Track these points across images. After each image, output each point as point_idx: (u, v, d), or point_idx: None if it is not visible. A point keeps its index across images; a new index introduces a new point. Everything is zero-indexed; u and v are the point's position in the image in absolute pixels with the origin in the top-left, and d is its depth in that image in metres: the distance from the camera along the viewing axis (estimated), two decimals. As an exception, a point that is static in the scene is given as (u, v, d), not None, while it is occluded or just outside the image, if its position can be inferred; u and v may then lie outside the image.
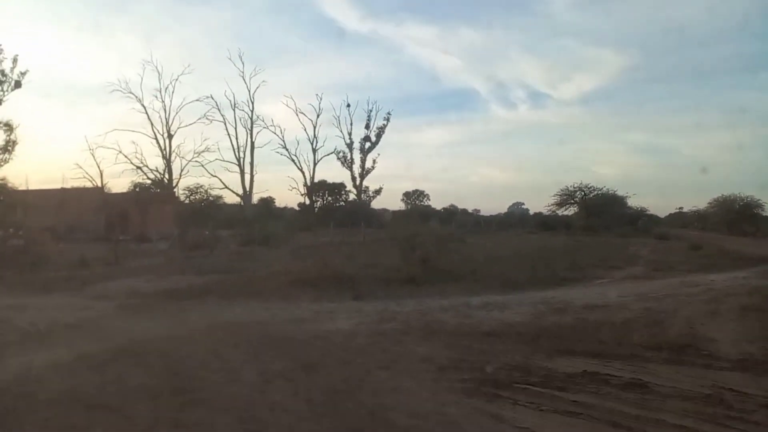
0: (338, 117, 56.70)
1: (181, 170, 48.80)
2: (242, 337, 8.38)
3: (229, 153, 53.16)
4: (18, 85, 35.09)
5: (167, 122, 48.68)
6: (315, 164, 56.09)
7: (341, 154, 56.70)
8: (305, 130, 56.68)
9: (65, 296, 12.80)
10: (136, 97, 47.21)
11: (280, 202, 56.99)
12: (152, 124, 48.16)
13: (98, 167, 45.08)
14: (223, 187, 50.46)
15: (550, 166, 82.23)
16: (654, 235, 37.38)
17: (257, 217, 41.22)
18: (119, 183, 59.41)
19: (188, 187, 45.21)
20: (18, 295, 12.68)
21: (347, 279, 14.16)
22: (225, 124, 51.98)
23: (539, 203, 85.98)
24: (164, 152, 48.52)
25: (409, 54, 79.19)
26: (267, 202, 54.45)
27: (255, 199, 53.64)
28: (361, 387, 5.85)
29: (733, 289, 12.90)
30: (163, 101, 48.46)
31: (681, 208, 61.81)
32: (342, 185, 56.52)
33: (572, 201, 47.92)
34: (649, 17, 68.73)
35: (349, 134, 56.60)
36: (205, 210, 39.10)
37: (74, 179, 43.64)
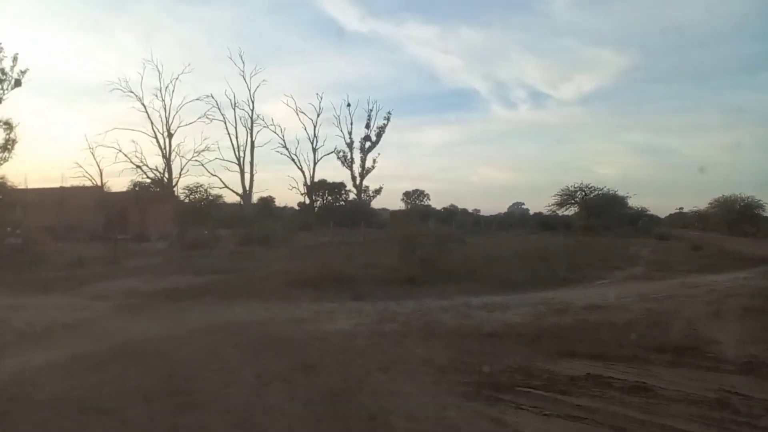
0: (338, 116, 56.79)
1: (181, 169, 48.77)
2: (241, 338, 8.28)
3: (229, 152, 53.12)
4: (18, 83, 35.02)
5: (167, 121, 48.64)
6: (315, 164, 56.11)
7: (341, 153, 56.73)
8: (305, 129, 56.76)
9: (63, 296, 12.70)
10: (136, 96, 47.16)
11: (280, 202, 56.94)
12: (152, 123, 48.13)
13: (98, 166, 45.04)
14: (223, 186, 50.47)
15: (550, 166, 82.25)
16: (654, 235, 37.28)
17: (257, 216, 41.07)
18: (119, 182, 59.18)
19: (188, 187, 45.04)
20: (16, 294, 12.57)
21: (347, 279, 14.08)
22: (225, 123, 51.95)
23: (539, 203, 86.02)
24: (164, 151, 48.50)
25: (410, 53, 79.27)
26: (267, 202, 54.34)
27: (255, 198, 53.60)
28: (361, 389, 5.76)
29: (734, 290, 12.84)
30: (163, 100, 48.41)
31: (681, 208, 61.86)
32: (342, 185, 56.47)
33: (573, 201, 47.83)
34: (649, 17, 68.81)
35: (350, 134, 56.63)
36: (205, 209, 38.94)
37: (74, 178, 43.59)
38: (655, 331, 8.43)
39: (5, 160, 34.28)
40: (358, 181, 57.01)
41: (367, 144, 56.45)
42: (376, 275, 15.00)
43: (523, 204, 71.83)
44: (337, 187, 56.25)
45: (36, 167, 79.02)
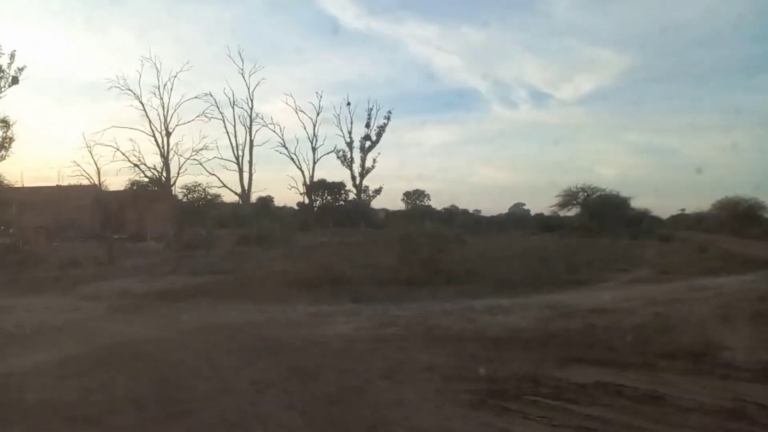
0: (338, 116, 56.26)
1: (179, 168, 48.25)
2: (236, 342, 8.03)
3: (228, 151, 52.59)
4: (15, 81, 34.61)
5: (165, 119, 48.19)
6: (314, 163, 55.67)
7: (341, 153, 56.32)
8: (305, 128, 56.03)
9: (55, 297, 12.46)
10: (134, 94, 46.64)
11: (279, 201, 56.46)
12: (150, 122, 47.68)
13: (95, 165, 44.67)
14: (222, 185, 50.01)
15: (550, 167, 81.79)
16: (658, 236, 36.99)
17: (255, 216, 40.77)
18: (117, 181, 58.86)
19: (186, 186, 44.79)
20: (6, 295, 12.35)
21: (346, 280, 13.83)
22: (224, 121, 51.48)
23: (540, 204, 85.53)
24: (162, 150, 47.98)
25: (410, 53, 78.69)
26: (266, 201, 53.95)
27: (254, 197, 53.19)
28: (361, 398, 5.49)
29: (742, 293, 12.57)
30: (161, 98, 47.91)
31: (683, 209, 61.42)
32: (342, 184, 56.06)
33: (575, 202, 47.52)
34: (649, 17, 68.21)
35: (349, 133, 56.25)
36: (202, 209, 38.66)
37: (71, 177, 43.20)
38: (665, 336, 8.15)
39: (2, 158, 33.87)
40: (357, 181, 56.72)
41: (367, 143, 56.13)
42: (376, 276, 14.72)
43: (524, 204, 71.43)
44: (337, 187, 55.90)
45: (33, 166, 78.79)
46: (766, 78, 72.51)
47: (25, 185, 38.36)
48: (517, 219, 61.32)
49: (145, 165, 46.48)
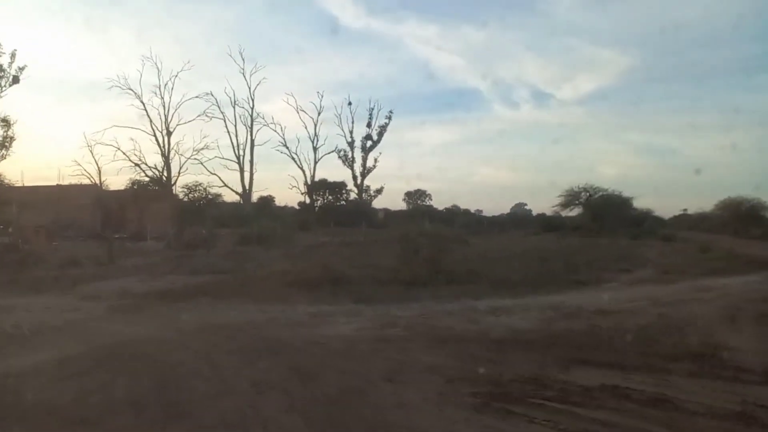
0: (339, 115, 56.18)
1: (180, 168, 48.20)
2: (236, 343, 7.95)
3: (229, 151, 52.54)
4: (16, 80, 34.61)
5: (166, 119, 48.13)
6: (315, 163, 55.58)
7: (342, 152, 56.22)
8: (306, 128, 55.92)
9: (54, 297, 12.36)
10: (135, 93, 46.62)
11: (280, 201, 56.46)
12: (151, 121, 47.62)
13: (96, 164, 44.61)
14: (223, 185, 49.95)
15: (552, 167, 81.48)
16: (660, 237, 36.85)
17: (256, 215, 40.67)
18: (118, 180, 58.72)
19: (187, 185, 44.77)
20: (5, 295, 12.25)
21: (347, 280, 13.73)
22: (225, 121, 51.44)
23: (542, 204, 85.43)
24: (163, 149, 47.95)
25: (411, 52, 78.50)
26: (267, 201, 53.92)
27: (255, 197, 53.14)
28: (362, 400, 5.39)
29: (747, 294, 12.49)
30: (162, 98, 47.88)
31: (686, 209, 61.21)
32: (343, 184, 55.94)
33: (577, 202, 47.36)
34: (651, 17, 68.05)
35: (351, 133, 56.15)
36: (203, 208, 38.57)
37: (72, 176, 43.16)
38: (671, 337, 8.06)
39: (3, 157, 33.94)
40: (359, 181, 56.63)
41: (369, 143, 56.03)
42: (377, 276, 14.61)
43: (526, 205, 71.30)
44: (338, 187, 55.79)
45: (33, 165, 78.67)
46: (766, 78, 72.48)
47: (26, 185, 38.44)
48: (519, 219, 61.17)
49: (146, 164, 46.48)
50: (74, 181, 42.80)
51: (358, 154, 56.36)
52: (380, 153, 56.59)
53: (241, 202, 51.81)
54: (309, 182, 55.11)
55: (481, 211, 64.00)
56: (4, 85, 34.10)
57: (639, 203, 46.02)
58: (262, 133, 56.96)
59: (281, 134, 54.06)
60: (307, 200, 55.59)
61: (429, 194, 64.76)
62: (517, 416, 4.97)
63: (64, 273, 16.54)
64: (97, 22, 68.33)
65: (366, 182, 57.08)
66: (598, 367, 6.54)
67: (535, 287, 13.25)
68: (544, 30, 75.56)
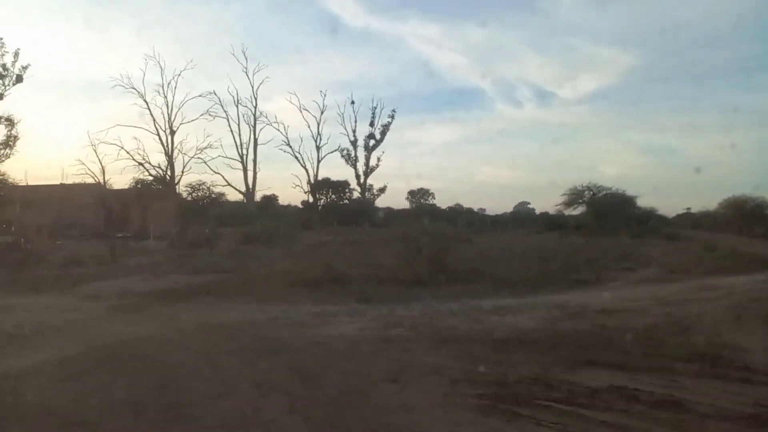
0: (342, 114, 55.93)
1: (184, 167, 48.06)
2: (237, 343, 7.85)
3: (232, 150, 52.39)
4: (19, 79, 34.46)
5: (169, 118, 48.04)
6: (319, 162, 55.39)
7: (345, 151, 56.01)
8: (309, 127, 55.71)
9: (56, 296, 12.30)
10: (138, 92, 46.50)
11: (283, 200, 56.40)
12: (154, 120, 47.54)
13: (100, 163, 44.57)
14: (226, 184, 49.82)
15: (555, 165, 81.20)
16: (664, 235, 36.69)
17: (259, 214, 40.60)
18: (121, 179, 58.67)
19: (190, 184, 44.66)
20: (7, 294, 12.19)
21: (350, 280, 13.63)
22: (228, 120, 51.28)
23: (545, 203, 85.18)
24: (166, 148, 47.84)
25: (413, 51, 78.17)
26: (270, 200, 53.79)
27: (258, 196, 53.03)
28: (366, 402, 5.29)
29: (754, 293, 12.32)
30: (165, 97, 47.77)
31: (689, 208, 60.98)
32: (346, 183, 55.76)
33: (581, 201, 47.18)
34: (654, 16, 67.73)
35: (354, 132, 55.88)
36: (206, 207, 38.50)
37: (76, 175, 43.11)
38: (678, 337, 7.93)
39: (6, 156, 33.76)
40: (362, 180, 56.45)
41: (371, 142, 55.81)
42: (380, 276, 14.50)
43: (529, 203, 71.09)
44: (341, 186, 55.65)
45: (37, 164, 78.67)
46: (766, 77, 72.43)
47: (30, 184, 38.42)
48: (522, 218, 60.98)
49: (149, 163, 46.39)
50: (78, 180, 42.84)
51: (361, 153, 56.20)
52: (383, 152, 56.42)
53: (245, 201, 51.72)
54: (312, 181, 55.00)
55: (484, 209, 63.86)
56: (8, 84, 34.06)
57: (644, 202, 45.86)
58: (265, 132, 57.00)
59: (284, 133, 53.92)
60: (310, 199, 55.52)
61: (432, 193, 64.62)
62: (523, 418, 4.86)
63: (65, 272, 16.48)
64: (97, 21, 68.21)
65: (369, 181, 56.97)
66: (604, 368, 6.43)
67: (539, 286, 13.15)
68: (546, 29, 75.25)
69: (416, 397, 5.43)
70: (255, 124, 52.42)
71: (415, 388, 5.70)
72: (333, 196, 55.61)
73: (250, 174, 52.28)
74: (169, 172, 47.60)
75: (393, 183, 61.89)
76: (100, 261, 19.83)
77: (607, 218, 40.53)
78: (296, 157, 54.30)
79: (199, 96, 49.02)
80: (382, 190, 57.55)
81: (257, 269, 16.58)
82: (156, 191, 44.28)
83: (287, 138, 53.74)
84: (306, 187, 54.92)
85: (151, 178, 46.07)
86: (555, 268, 16.87)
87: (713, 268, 17.54)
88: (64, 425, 4.91)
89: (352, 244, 27.57)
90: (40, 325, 9.00)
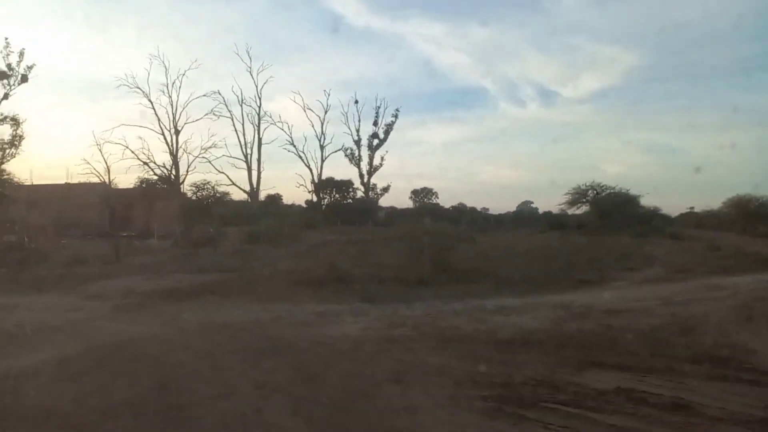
0: (346, 113, 55.80)
1: (188, 166, 48.03)
2: (240, 342, 7.78)
3: (237, 149, 52.31)
4: (25, 79, 34.45)
5: (174, 118, 48.03)
6: (323, 161, 55.33)
7: (349, 151, 55.92)
8: (312, 126, 55.64)
9: (58, 296, 12.24)
10: (143, 92, 46.48)
11: (287, 199, 56.45)
12: (159, 120, 47.53)
13: (105, 163, 44.60)
14: (230, 183, 49.80)
15: (558, 165, 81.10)
16: (668, 235, 36.51)
17: (263, 214, 40.53)
18: (127, 179, 58.68)
19: (195, 184, 44.60)
20: (10, 294, 12.14)
21: (353, 279, 13.54)
22: (232, 120, 51.23)
23: (548, 202, 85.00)
24: (171, 148, 47.81)
25: (416, 51, 77.96)
26: (274, 199, 53.77)
27: (262, 195, 53.00)
28: (370, 404, 5.21)
29: (759, 293, 12.19)
30: (169, 96, 47.76)
31: (692, 207, 60.73)
32: (350, 182, 55.72)
33: (584, 200, 47.03)
34: (658, 15, 67.50)
35: (357, 131, 55.76)
36: (210, 206, 38.47)
37: (81, 175, 43.14)
38: (685, 338, 7.84)
39: (12, 156, 33.83)
40: (365, 179, 56.35)
41: (375, 141, 55.69)
42: (384, 275, 14.38)
43: (532, 203, 70.94)
44: (345, 185, 55.61)
45: (42, 164, 78.70)
46: (765, 78, 72.38)
47: (35, 183, 38.45)
48: (525, 217, 60.85)
49: (154, 163, 46.37)
50: (83, 179, 42.87)
51: (364, 153, 56.10)
52: (387, 151, 56.31)
53: (249, 200, 51.69)
54: (316, 181, 54.96)
55: (487, 209, 63.76)
56: (13, 84, 34.06)
57: (647, 201, 45.66)
58: (270, 131, 56.69)
59: (288, 133, 53.86)
60: (314, 198, 55.47)
61: (435, 192, 64.52)
62: (530, 422, 4.78)
63: (69, 272, 16.44)
64: (106, 22, 68.22)
65: (373, 180, 56.89)
66: (611, 369, 6.34)
67: (543, 286, 13.04)
68: (548, 28, 75.15)
69: (420, 398, 5.34)
70: (259, 123, 52.37)
71: (419, 389, 5.62)
72: (337, 196, 55.57)
73: (254, 173, 52.25)
74: (173, 172, 47.55)
75: (396, 182, 61.84)
76: (104, 260, 19.79)
77: (611, 217, 40.37)
78: (300, 157, 54.25)
79: (204, 96, 48.94)
80: (385, 189, 57.44)
81: (261, 268, 16.51)
82: (161, 190, 44.28)
83: (291, 137, 53.70)
84: (310, 187, 54.92)
85: (156, 177, 46.13)
86: (558, 267, 16.76)
87: (717, 268, 17.40)
88: (63, 427, 4.85)
89: (356, 244, 27.48)
90: (42, 324, 8.94)
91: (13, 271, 15.91)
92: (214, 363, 6.69)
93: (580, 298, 11.62)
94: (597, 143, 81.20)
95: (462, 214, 55.76)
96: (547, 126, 79.16)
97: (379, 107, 55.07)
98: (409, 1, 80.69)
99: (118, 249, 21.47)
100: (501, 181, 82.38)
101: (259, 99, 51.94)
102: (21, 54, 33.64)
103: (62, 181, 41.92)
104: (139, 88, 45.97)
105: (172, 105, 47.58)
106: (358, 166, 55.98)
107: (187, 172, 47.55)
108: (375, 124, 55.25)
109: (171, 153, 47.57)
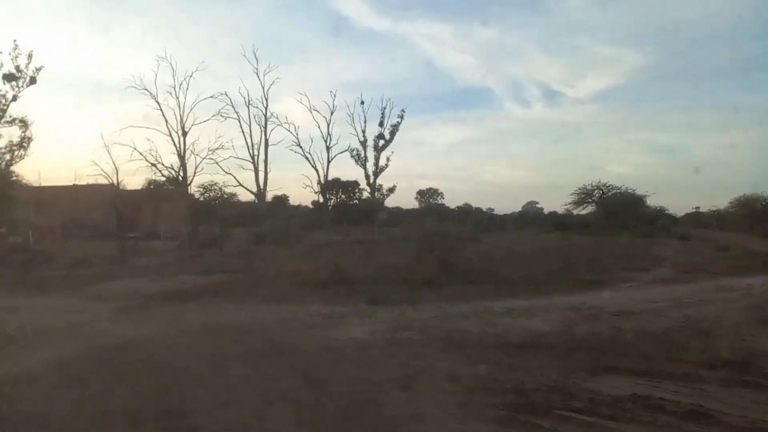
0: (352, 114, 55.65)
1: (196, 167, 48.12)
2: (244, 346, 7.61)
3: (243, 150, 52.52)
4: (33, 81, 34.41)
5: (181, 119, 48.07)
6: (329, 162, 55.24)
7: (355, 151, 55.75)
8: (319, 127, 55.56)
9: (62, 297, 12.08)
10: (151, 93, 46.58)
11: (294, 200, 56.51)
12: (167, 121, 47.58)
13: (114, 164, 44.68)
14: (237, 184, 49.85)
15: (563, 165, 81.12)
16: (675, 235, 36.23)
17: (270, 214, 40.46)
18: (135, 180, 58.79)
19: (202, 185, 44.61)
20: (13, 295, 12.00)
21: (360, 280, 13.37)
22: (239, 121, 51.32)
23: (554, 202, 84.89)
24: (179, 149, 47.92)
25: (423, 51, 77.95)
26: (281, 200, 53.76)
27: (269, 196, 52.99)
28: (376, 412, 5.02)
29: (771, 293, 12.03)
30: (177, 98, 47.83)
31: (698, 207, 60.35)
32: (356, 183, 55.62)
33: (590, 200, 46.82)
34: (663, 15, 67.24)
35: (363, 132, 55.55)
36: (217, 207, 38.44)
37: (90, 176, 43.31)
38: (700, 341, 7.66)
39: (21, 158, 33.87)
40: (371, 180, 56.19)
41: (381, 142, 55.49)
42: (391, 276, 14.17)
43: (538, 203, 70.80)
44: (351, 186, 55.49)
45: (51, 165, 78.93)
46: (765, 78, 72.12)
47: (43, 184, 38.54)
48: (531, 217, 60.68)
49: (162, 164, 46.48)
50: (91, 181, 42.97)
51: (370, 153, 55.90)
52: (392, 152, 56.13)
53: (256, 201, 51.64)
54: (322, 181, 54.88)
55: (492, 209, 63.60)
56: (22, 86, 34.03)
57: (654, 201, 45.49)
58: (276, 132, 56.81)
59: (295, 134, 53.85)
60: (321, 199, 55.39)
61: (441, 193, 64.39)
62: (544, 431, 4.60)
63: (73, 273, 16.32)
64: (113, 24, 68.46)
65: (378, 181, 56.73)
66: (625, 374, 6.16)
67: (551, 287, 12.82)
68: (552, 29, 75.05)
69: (429, 405, 5.16)
70: (266, 124, 52.39)
71: (427, 396, 5.43)
72: (343, 196, 55.52)
73: (261, 174, 52.27)
74: (181, 173, 47.68)
75: (402, 183, 61.83)
76: (110, 261, 19.68)
77: (617, 217, 40.16)
78: (307, 158, 54.24)
79: (211, 97, 49.22)
80: (391, 190, 57.29)
81: (266, 269, 16.36)
82: (168, 192, 44.32)
83: (298, 138, 53.69)
84: (316, 188, 54.93)
85: (163, 178, 46.20)
86: (566, 268, 16.54)
87: (727, 268, 17.19)
88: (59, 436, 4.71)
89: (362, 244, 27.33)
90: (44, 327, 8.78)
91: (17, 272, 15.80)
92: (217, 368, 6.53)
93: (589, 299, 11.43)
94: (600, 143, 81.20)
95: (468, 215, 55.67)
96: (550, 126, 79.14)
97: (384, 108, 54.91)
98: (413, 2, 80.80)
99: (123, 250, 21.37)
100: (505, 181, 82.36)
101: (266, 100, 51.99)
102: (29, 56, 33.62)
103: (70, 183, 42.13)
104: (147, 90, 46.14)
105: (179, 107, 47.72)
106: (364, 166, 55.83)
107: (195, 173, 47.71)
108: (381, 124, 55.09)
109: (178, 154, 47.69)
